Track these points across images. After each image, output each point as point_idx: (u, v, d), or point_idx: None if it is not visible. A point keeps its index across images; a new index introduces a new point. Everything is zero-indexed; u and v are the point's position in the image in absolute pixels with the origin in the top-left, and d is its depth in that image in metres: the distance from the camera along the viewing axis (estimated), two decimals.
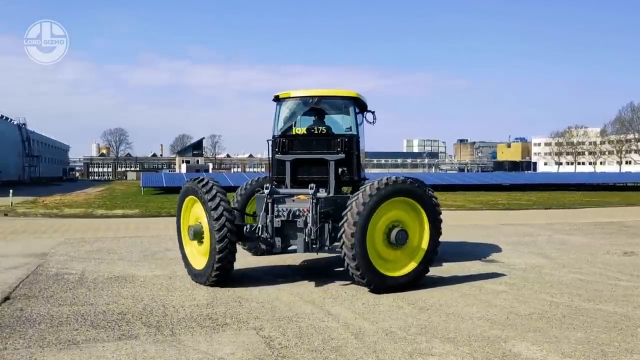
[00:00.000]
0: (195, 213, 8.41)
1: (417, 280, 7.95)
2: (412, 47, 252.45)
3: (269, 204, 8.14)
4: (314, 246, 7.90)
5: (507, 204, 26.43)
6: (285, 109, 9.28)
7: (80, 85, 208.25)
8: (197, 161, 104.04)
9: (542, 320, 6.27)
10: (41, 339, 5.43)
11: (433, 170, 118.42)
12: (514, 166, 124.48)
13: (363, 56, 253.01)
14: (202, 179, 8.15)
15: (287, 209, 8.08)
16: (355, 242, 7.36)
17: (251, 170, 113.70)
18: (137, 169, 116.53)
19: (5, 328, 5.82)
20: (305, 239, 7.86)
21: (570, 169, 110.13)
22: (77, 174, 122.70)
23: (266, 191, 8.18)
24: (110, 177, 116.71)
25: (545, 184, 45.06)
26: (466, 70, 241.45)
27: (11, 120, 69.21)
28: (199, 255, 8.32)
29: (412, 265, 7.92)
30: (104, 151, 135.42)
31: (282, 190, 8.44)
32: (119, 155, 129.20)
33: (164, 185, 38.78)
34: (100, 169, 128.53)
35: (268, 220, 8.10)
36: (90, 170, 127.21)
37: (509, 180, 46.83)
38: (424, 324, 6.10)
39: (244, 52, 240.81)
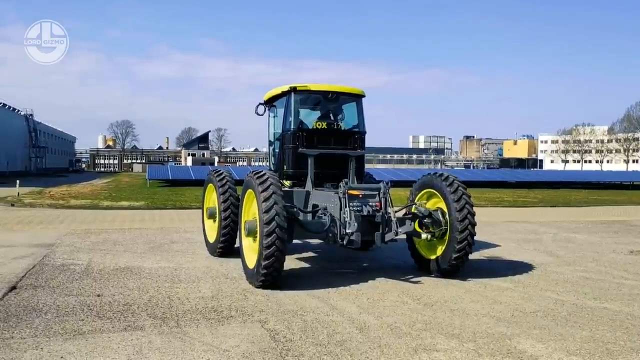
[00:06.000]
0: (254, 208, 7.97)
1: None
2: (424, 45, 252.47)
3: (345, 200, 7.77)
4: (390, 239, 7.89)
5: (512, 202, 26.33)
6: (302, 102, 9.26)
7: (90, 77, 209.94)
8: (203, 154, 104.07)
9: (547, 318, 6.25)
10: (47, 329, 5.47)
11: (439, 166, 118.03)
12: (520, 163, 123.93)
13: (375, 52, 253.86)
14: (259, 172, 7.78)
15: (362, 205, 7.87)
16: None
17: (257, 163, 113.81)
18: (143, 161, 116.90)
19: (12, 317, 5.86)
20: (382, 233, 7.79)
21: (576, 167, 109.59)
22: (84, 165, 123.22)
23: (342, 188, 7.86)
24: (116, 169, 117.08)
25: (552, 182, 44.85)
26: (478, 67, 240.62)
27: (18, 111, 69.49)
28: (252, 253, 7.88)
29: None
30: (110, 143, 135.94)
31: (354, 186, 8.16)
32: (125, 147, 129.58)
33: (170, 178, 38.86)
34: (106, 161, 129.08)
35: (349, 217, 7.61)
36: (96, 161, 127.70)
37: (515, 178, 46.62)
38: (429, 319, 6.10)
39: (255, 46, 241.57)
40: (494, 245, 11.84)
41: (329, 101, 9.24)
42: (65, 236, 12.18)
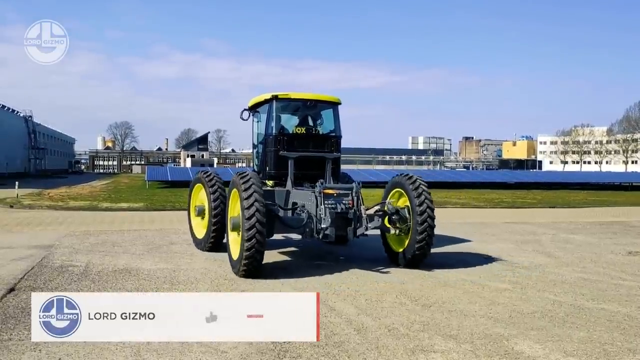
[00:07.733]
0: (238, 206, 8.58)
1: None
2: (424, 45, 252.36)
3: (320, 198, 8.43)
4: (361, 233, 8.50)
5: (511, 202, 26.34)
6: (283, 109, 10.08)
7: (90, 77, 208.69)
8: (202, 155, 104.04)
9: (544, 319, 6.26)
10: None
11: (438, 167, 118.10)
12: (520, 164, 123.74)
13: (375, 52, 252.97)
14: (243, 173, 8.51)
15: (336, 202, 8.48)
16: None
17: None
18: (142, 162, 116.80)
19: (10, 319, 5.87)
20: (354, 228, 8.41)
21: (575, 168, 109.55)
22: (83, 166, 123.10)
23: (318, 187, 8.50)
24: (116, 171, 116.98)
25: (551, 183, 44.82)
26: (478, 67, 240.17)
27: (18, 112, 69.43)
28: (236, 246, 8.53)
29: None
30: (110, 144, 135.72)
31: (329, 186, 8.82)
32: (124, 149, 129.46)
33: (169, 179, 38.81)
34: (106, 162, 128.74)
35: (324, 214, 8.31)
36: (95, 163, 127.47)
37: (514, 179, 46.57)
38: (427, 320, 6.11)
39: (255, 46, 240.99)
40: (492, 246, 11.85)
41: (308, 108, 10.07)
42: (64, 238, 12.18)
